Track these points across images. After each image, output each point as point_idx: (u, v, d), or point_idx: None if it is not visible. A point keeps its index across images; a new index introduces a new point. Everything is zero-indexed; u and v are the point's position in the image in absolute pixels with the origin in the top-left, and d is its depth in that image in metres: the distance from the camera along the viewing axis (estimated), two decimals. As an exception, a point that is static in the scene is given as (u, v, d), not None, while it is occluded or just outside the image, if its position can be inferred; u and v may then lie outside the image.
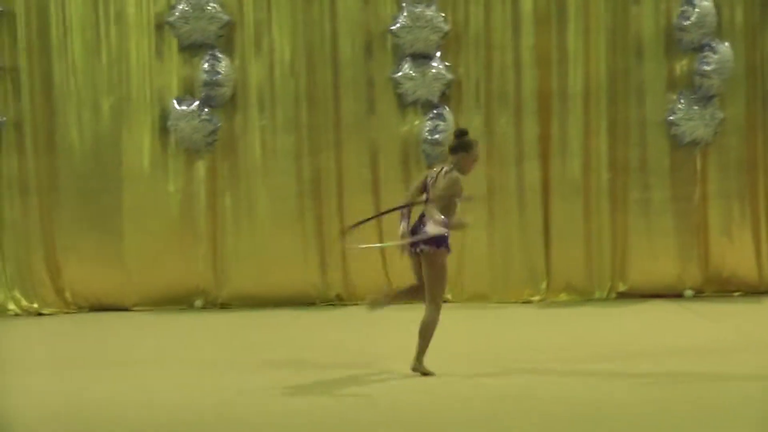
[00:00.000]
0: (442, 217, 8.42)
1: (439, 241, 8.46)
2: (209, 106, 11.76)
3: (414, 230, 8.60)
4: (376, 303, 8.94)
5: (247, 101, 11.99)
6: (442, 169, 8.54)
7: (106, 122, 12.10)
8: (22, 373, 9.14)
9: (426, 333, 8.46)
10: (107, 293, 12.15)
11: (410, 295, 8.86)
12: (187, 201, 12.16)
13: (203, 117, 11.74)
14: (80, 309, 12.15)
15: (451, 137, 9.03)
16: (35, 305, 12.05)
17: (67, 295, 12.14)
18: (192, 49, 11.85)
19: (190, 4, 11.65)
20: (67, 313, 12.09)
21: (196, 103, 11.77)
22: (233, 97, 11.94)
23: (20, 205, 12.11)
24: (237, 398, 8.03)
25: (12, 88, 12.04)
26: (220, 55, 11.74)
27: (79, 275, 12.14)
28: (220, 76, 11.71)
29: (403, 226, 8.73)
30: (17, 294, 12.09)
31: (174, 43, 11.91)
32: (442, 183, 8.50)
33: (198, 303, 11.93)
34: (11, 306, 12.03)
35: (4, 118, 11.90)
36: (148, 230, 12.09)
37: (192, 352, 10.08)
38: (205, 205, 12.09)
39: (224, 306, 12.08)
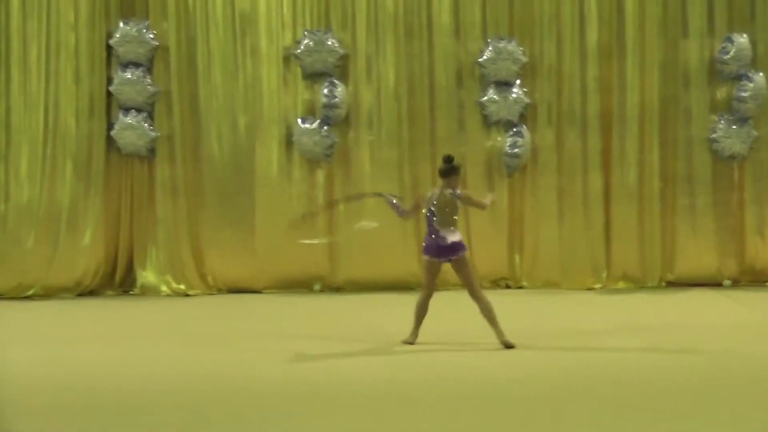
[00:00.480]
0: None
1: (463, 245, 9.53)
2: (327, 125, 12.96)
3: (434, 246, 9.43)
4: None
5: (359, 120, 13.13)
6: (439, 190, 9.50)
7: (242, 136, 13.18)
8: (174, 345, 10.04)
9: (492, 314, 9.42)
10: (242, 278, 13.19)
11: (426, 308, 9.64)
12: (309, 202, 13.14)
13: (323, 133, 12.93)
14: (220, 291, 13.24)
15: (441, 163, 9.74)
16: (183, 287, 13.14)
17: (209, 279, 13.26)
18: (314, 77, 13.04)
19: (313, 39, 12.90)
20: (209, 294, 13.17)
21: (317, 122, 12.96)
22: (347, 117, 13.09)
23: (171, 205, 13.19)
24: (346, 365, 8.84)
25: (165, 108, 13.17)
26: (337, 82, 12.95)
27: (219, 263, 13.22)
28: (336, 99, 12.91)
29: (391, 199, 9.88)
30: (168, 278, 13.17)
31: (299, 72, 13.08)
32: (445, 199, 9.43)
33: (317, 287, 13.10)
34: (163, 288, 13.10)
35: (159, 133, 13.09)
36: (276, 226, 12.80)
37: (310, 328, 10.94)
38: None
39: (339, 289, 13.18)
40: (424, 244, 9.65)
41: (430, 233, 9.54)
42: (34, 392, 8.05)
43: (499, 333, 9.40)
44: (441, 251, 9.48)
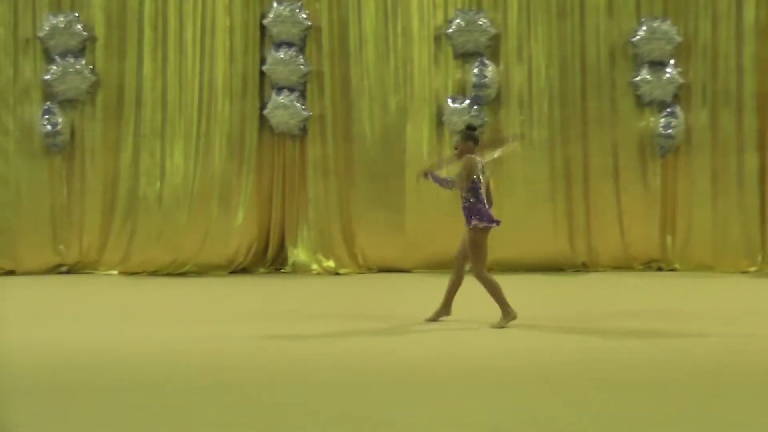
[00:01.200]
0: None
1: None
2: (477, 104, 13.01)
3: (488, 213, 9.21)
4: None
5: (510, 100, 13.17)
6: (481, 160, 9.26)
7: (392, 116, 13.25)
8: (324, 322, 9.90)
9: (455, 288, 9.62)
10: (391, 257, 13.31)
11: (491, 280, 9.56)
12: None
13: (472, 113, 12.93)
14: (369, 270, 13.34)
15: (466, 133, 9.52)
16: (333, 266, 13.25)
17: (359, 258, 13.37)
18: (464, 56, 13.09)
19: (465, 19, 12.98)
20: (359, 273, 13.28)
21: (467, 101, 13.04)
22: (497, 97, 13.12)
23: (323, 185, 13.29)
24: (504, 346, 8.59)
25: (317, 88, 13.26)
26: (487, 62, 13.01)
27: (369, 242, 13.33)
28: (486, 79, 12.97)
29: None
30: (319, 256, 13.28)
31: (449, 52, 13.12)
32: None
33: (466, 267, 13.33)
34: (314, 266, 13.22)
35: (311, 113, 13.18)
36: (425, 206, 13.07)
37: (460, 308, 10.56)
38: (472, 186, 13.28)
39: (488, 270, 13.18)
40: (480, 214, 9.22)
41: (484, 201, 9.25)
42: (204, 369, 7.94)
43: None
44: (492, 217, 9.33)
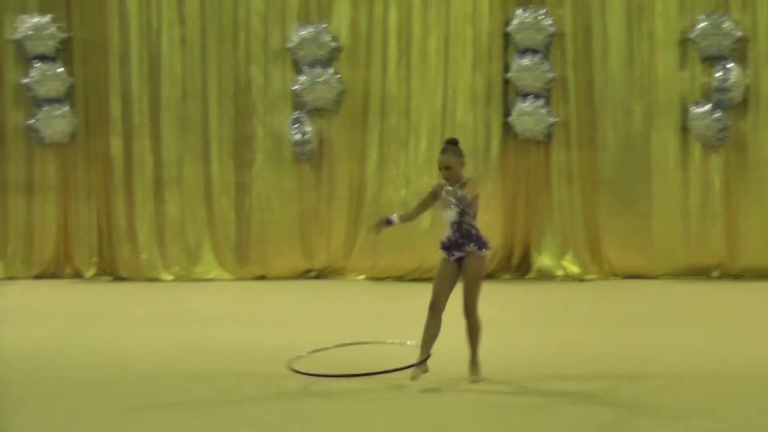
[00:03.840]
0: None
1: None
2: (721, 108, 12.99)
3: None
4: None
5: (759, 104, 13.09)
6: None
7: (637, 122, 13.29)
8: (581, 329, 10.29)
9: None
10: (637, 264, 13.31)
11: None
12: (704, 187, 13.17)
13: (715, 117, 12.96)
14: (615, 276, 13.39)
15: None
16: (578, 271, 13.41)
17: (605, 264, 13.44)
18: (709, 60, 13.07)
19: (710, 22, 12.99)
20: (604, 279, 13.36)
21: (709, 105, 13.03)
22: (744, 101, 13.07)
23: (567, 190, 13.42)
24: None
25: (561, 94, 13.39)
26: (731, 65, 12.96)
27: (615, 248, 13.37)
28: (729, 82, 12.94)
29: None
30: (564, 262, 13.45)
31: (695, 56, 13.12)
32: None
33: (715, 273, 13.12)
34: (559, 272, 13.40)
35: (557, 119, 13.36)
36: (672, 212, 13.16)
37: (707, 316, 11.08)
38: (719, 190, 13.12)
39: (738, 276, 13.13)
40: (484, 238, 8.08)
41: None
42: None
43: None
44: None
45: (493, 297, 11.66)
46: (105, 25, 13.80)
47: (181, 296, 12.87)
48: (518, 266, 13.70)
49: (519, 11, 13.34)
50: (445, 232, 7.98)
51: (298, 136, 13.53)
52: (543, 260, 13.54)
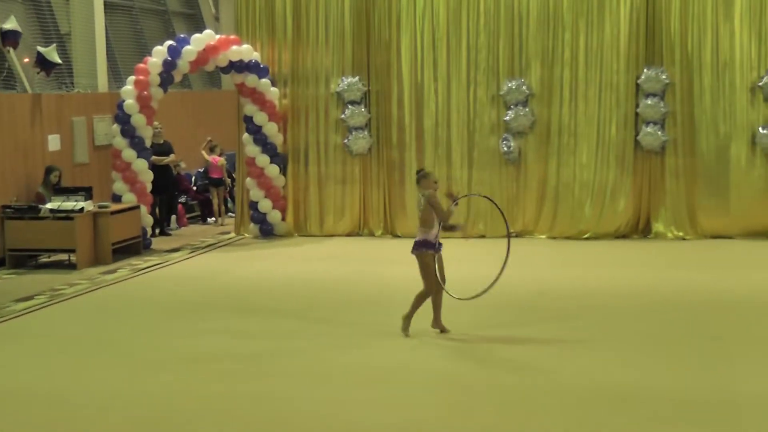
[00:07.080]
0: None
1: (418, 244, 10.71)
2: None
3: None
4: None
5: None
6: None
7: (721, 139, 17.53)
8: (649, 270, 14.10)
9: (418, 304, 10.87)
10: (720, 228, 17.69)
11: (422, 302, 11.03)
12: (765, 181, 17.33)
13: None
14: (705, 237, 17.69)
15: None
16: (681, 234, 17.81)
17: (698, 229, 17.84)
18: None
19: None
20: (698, 239, 17.54)
21: None
22: None
23: (675, 183, 17.73)
24: None
25: (672, 122, 17.78)
26: None
27: (705, 219, 17.79)
28: None
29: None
30: (673, 228, 18.03)
31: (760, 97, 17.27)
32: (421, 203, 10.66)
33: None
34: (669, 234, 17.93)
35: (668, 137, 17.76)
36: (743, 196, 17.30)
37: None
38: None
39: None
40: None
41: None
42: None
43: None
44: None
45: (627, 249, 17.06)
46: (390, 82, 18.95)
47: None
48: (643, 230, 18.19)
49: (646, 69, 18.42)
50: (434, 233, 10.77)
51: (505, 149, 18.59)
52: (658, 226, 18.00)
